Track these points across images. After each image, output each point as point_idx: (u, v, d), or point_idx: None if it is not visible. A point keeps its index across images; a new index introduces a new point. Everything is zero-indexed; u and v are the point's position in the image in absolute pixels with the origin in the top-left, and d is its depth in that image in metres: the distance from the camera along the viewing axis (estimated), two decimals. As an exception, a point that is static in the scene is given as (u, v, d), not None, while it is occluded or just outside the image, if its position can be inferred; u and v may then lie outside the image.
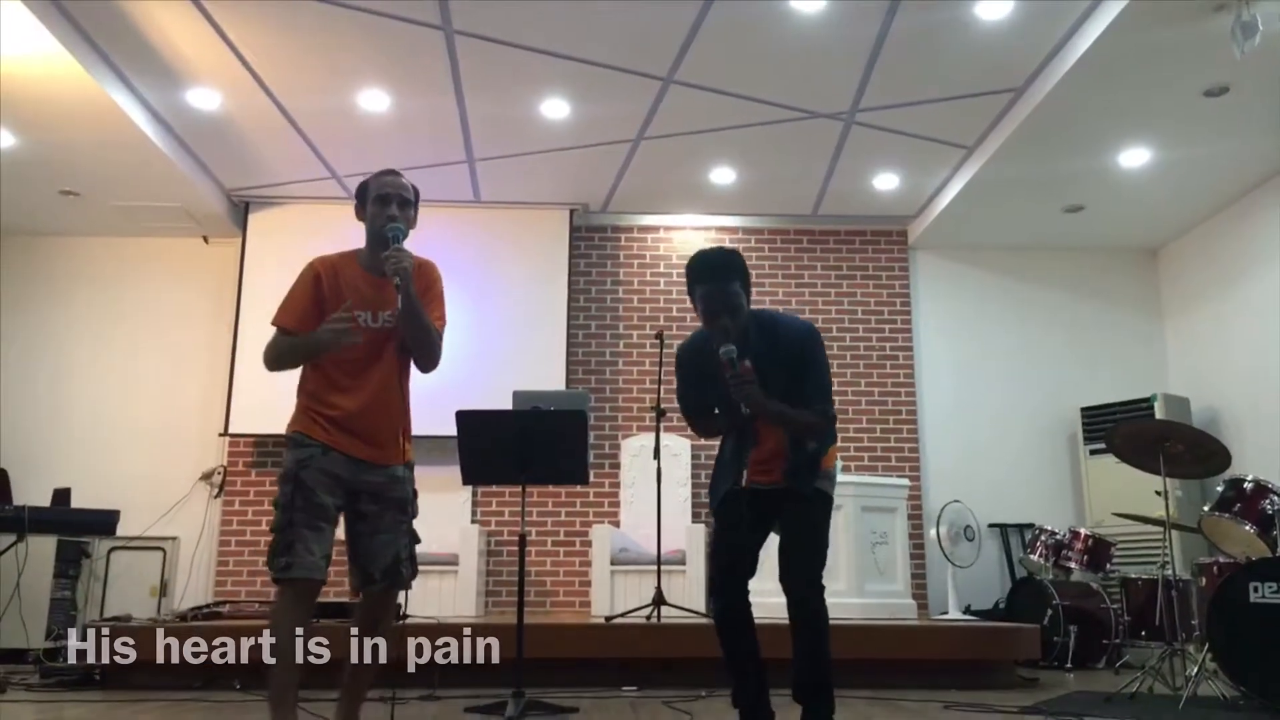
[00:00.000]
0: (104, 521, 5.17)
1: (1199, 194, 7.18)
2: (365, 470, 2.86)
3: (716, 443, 3.23)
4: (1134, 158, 6.58)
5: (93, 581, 6.77)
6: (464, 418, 3.98)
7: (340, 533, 2.88)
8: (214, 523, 7.47)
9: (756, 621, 3.00)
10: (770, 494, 3.01)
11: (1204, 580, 4.83)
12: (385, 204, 2.93)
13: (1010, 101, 6.18)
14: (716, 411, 3.11)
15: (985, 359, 8.07)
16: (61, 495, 5.61)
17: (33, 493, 5.39)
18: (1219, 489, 4.64)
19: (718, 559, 3.04)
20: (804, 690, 2.90)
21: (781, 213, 7.99)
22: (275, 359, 2.89)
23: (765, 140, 6.79)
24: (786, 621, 2.89)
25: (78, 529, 5.71)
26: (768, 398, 2.87)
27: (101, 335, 7.81)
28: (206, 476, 7.56)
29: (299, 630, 2.71)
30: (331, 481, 2.80)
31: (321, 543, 2.74)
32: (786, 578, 2.92)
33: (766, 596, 3.07)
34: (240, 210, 7.75)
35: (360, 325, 2.86)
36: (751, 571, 3.02)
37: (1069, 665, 6.02)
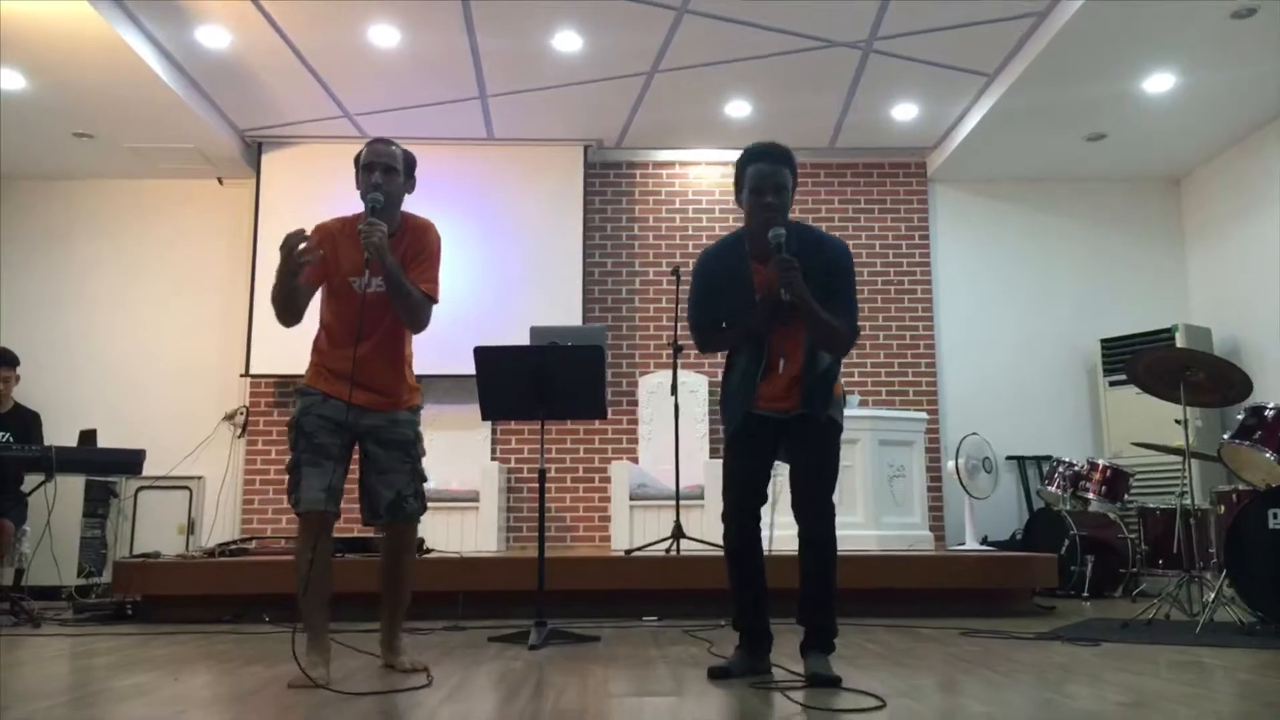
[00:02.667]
0: (130, 461, 5.23)
1: (1224, 120, 7.04)
2: (366, 415, 3.02)
3: None
4: (1158, 83, 6.44)
5: (121, 521, 6.91)
6: (482, 354, 3.99)
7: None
8: (238, 462, 7.58)
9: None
10: (782, 421, 3.03)
11: (1222, 508, 4.84)
12: (369, 172, 3.03)
13: (1032, 26, 6.04)
14: (724, 326, 3.11)
15: (1004, 291, 8.02)
16: (87, 436, 5.68)
17: (59, 435, 5.47)
18: (1239, 417, 4.62)
19: (732, 485, 3.06)
20: (810, 613, 2.94)
21: (798, 146, 7.80)
22: (275, 310, 2.96)
23: (782, 71, 6.68)
24: (782, 553, 2.93)
25: (105, 468, 5.80)
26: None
27: (120, 278, 7.86)
28: (229, 417, 7.66)
29: (319, 557, 2.91)
30: (332, 425, 2.98)
31: (323, 478, 2.93)
32: (800, 504, 2.96)
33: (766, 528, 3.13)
34: (254, 151, 7.72)
35: (356, 290, 3.00)
36: (764, 498, 3.07)
37: (1086, 594, 6.07)
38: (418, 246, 3.08)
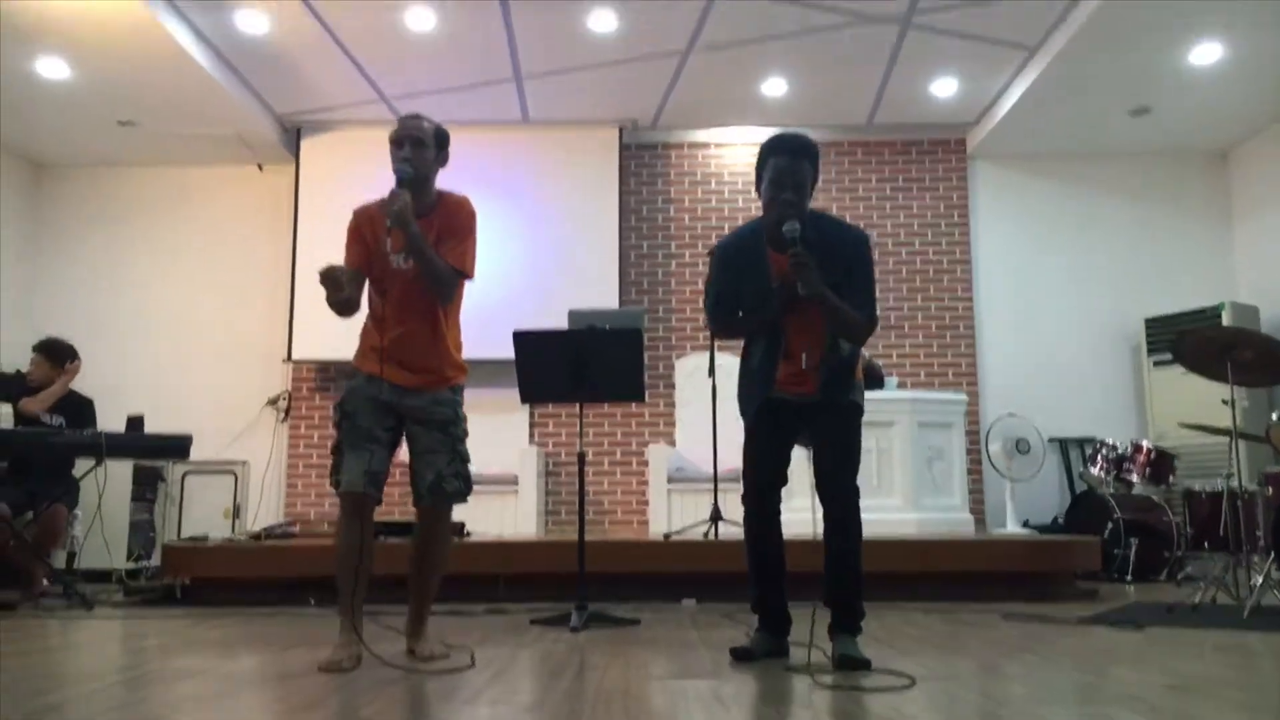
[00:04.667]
0: (178, 445, 5.32)
1: (1273, 92, 6.86)
2: (408, 395, 3.03)
3: None
4: (1205, 54, 6.29)
5: (169, 505, 7.04)
6: (521, 338, 4.02)
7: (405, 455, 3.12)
8: (282, 447, 7.68)
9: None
10: (801, 405, 3.02)
11: (1270, 490, 4.76)
12: (399, 146, 3.04)
13: (1075, -1, 5.93)
14: (741, 314, 3.11)
15: (1046, 270, 7.90)
16: (135, 422, 5.79)
17: (105, 421, 5.57)
18: (1289, 397, 4.53)
19: (754, 469, 3.08)
20: (838, 595, 2.95)
21: (835, 124, 7.81)
22: (334, 311, 3.00)
23: (818, 48, 6.61)
24: (799, 537, 2.94)
25: (153, 453, 5.90)
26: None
27: (164, 265, 7.98)
28: (273, 402, 7.76)
29: (356, 540, 2.93)
30: (376, 406, 3.00)
31: (361, 460, 2.95)
32: (825, 487, 2.97)
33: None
34: (292, 136, 7.79)
35: (394, 266, 3.02)
36: (784, 481, 3.09)
37: (1129, 578, 6.00)
38: (451, 221, 3.09)
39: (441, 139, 3.13)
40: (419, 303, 3.04)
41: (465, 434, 3.13)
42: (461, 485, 3.08)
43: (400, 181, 2.96)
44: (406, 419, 3.06)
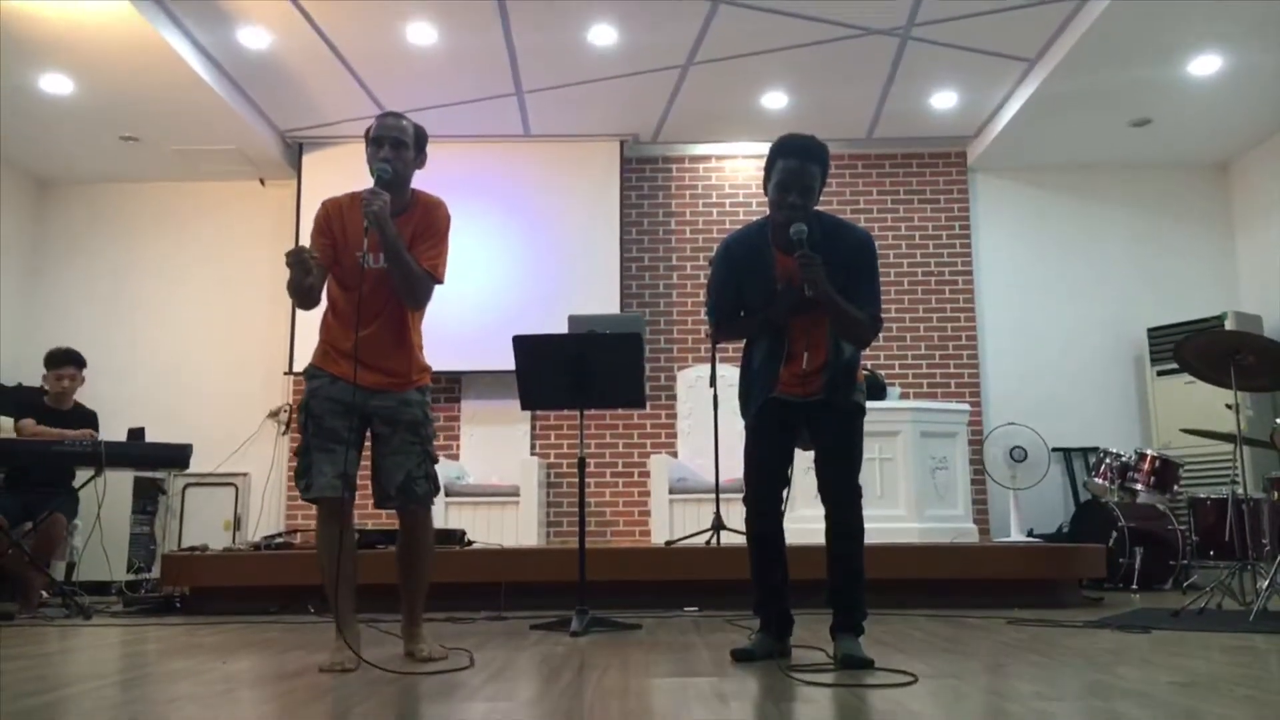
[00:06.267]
0: (177, 455, 5.31)
1: (1273, 103, 6.88)
2: (375, 396, 2.99)
3: None
4: (1205, 65, 6.31)
5: (169, 517, 7.03)
6: (521, 343, 4.01)
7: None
8: (282, 459, 7.67)
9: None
10: (803, 406, 3.01)
11: (1276, 495, 4.73)
12: (379, 146, 3.00)
13: (1074, 8, 5.95)
14: (744, 314, 3.09)
15: (1048, 281, 7.90)
16: (136, 434, 5.78)
17: (108, 434, 5.56)
18: (1293, 401, 4.51)
19: (755, 471, 3.05)
20: (840, 596, 2.93)
21: (836, 137, 7.82)
22: (293, 300, 2.97)
23: (818, 61, 6.64)
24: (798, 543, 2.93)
25: (153, 462, 5.89)
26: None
27: (166, 279, 8.00)
28: (274, 414, 7.75)
29: (336, 544, 2.87)
30: (341, 407, 2.94)
31: (334, 463, 2.91)
32: (826, 488, 2.95)
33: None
34: (294, 151, 7.82)
35: (362, 265, 2.96)
36: (786, 483, 3.06)
37: (1135, 586, 5.96)
38: (426, 223, 3.04)
39: (420, 139, 3.09)
40: (387, 303, 3.00)
41: (434, 435, 3.10)
42: (430, 487, 3.04)
43: (379, 181, 2.92)
44: (373, 419, 3.01)
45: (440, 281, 3.04)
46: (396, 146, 2.99)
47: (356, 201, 3.00)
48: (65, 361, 5.53)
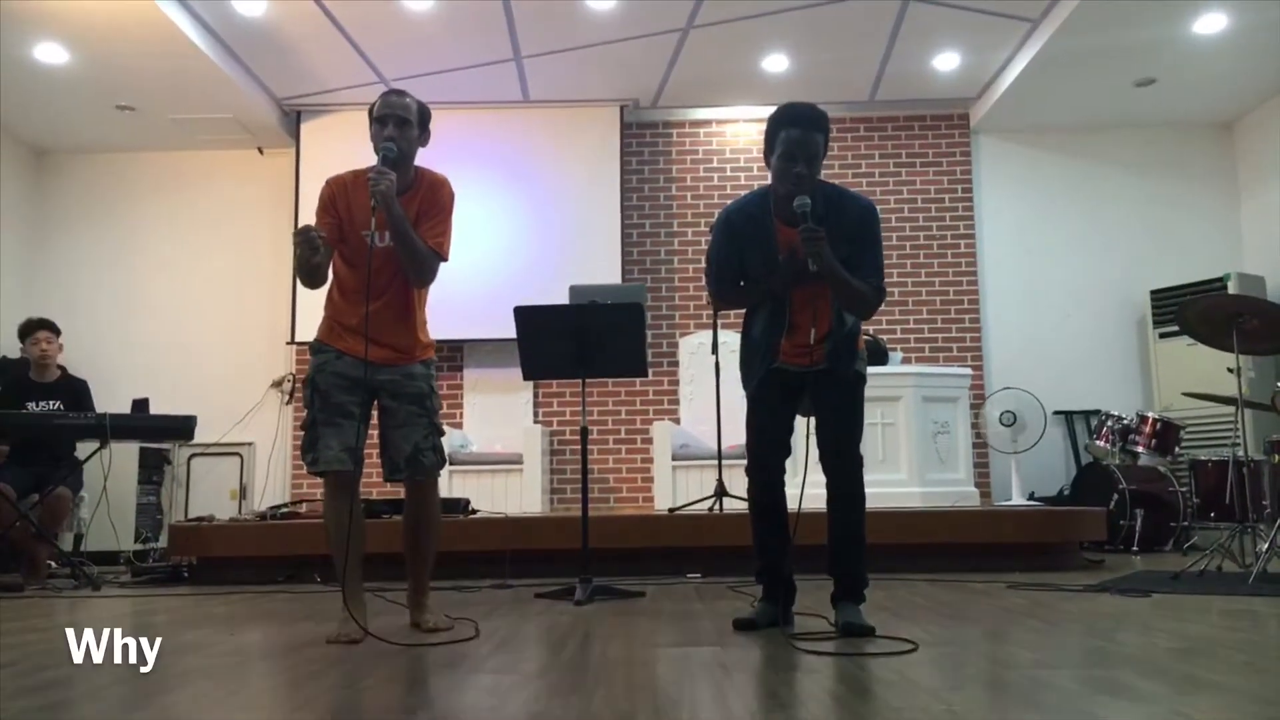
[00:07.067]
0: (182, 426, 5.32)
1: (1279, 61, 6.80)
2: (381, 370, 3.01)
3: None
4: (1210, 24, 6.24)
5: (175, 487, 7.07)
6: (522, 314, 4.00)
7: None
8: (287, 428, 7.69)
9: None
10: (804, 376, 3.01)
11: (1276, 458, 4.74)
12: (383, 125, 2.99)
13: (1078, -31, 5.87)
14: (742, 284, 3.09)
15: (1050, 244, 7.87)
16: (140, 405, 5.79)
17: (111, 406, 5.57)
18: (1295, 364, 4.51)
19: (757, 440, 3.06)
20: (841, 564, 2.95)
21: (837, 99, 7.75)
22: (301, 279, 3.01)
23: (819, 23, 6.56)
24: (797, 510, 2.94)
25: (158, 434, 5.91)
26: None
27: (165, 249, 7.97)
28: (277, 384, 7.77)
29: (345, 517, 2.89)
30: (348, 382, 2.98)
31: (341, 436, 2.94)
32: (827, 456, 2.96)
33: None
34: (292, 119, 7.77)
35: (368, 243, 2.95)
36: (787, 451, 3.07)
37: (1135, 548, 6.00)
38: (430, 201, 3.05)
39: (424, 117, 3.09)
40: (393, 280, 3.02)
41: (440, 406, 3.14)
42: (436, 459, 3.08)
43: (384, 160, 2.92)
44: (380, 393, 3.04)
45: (445, 259, 3.06)
46: (401, 125, 2.98)
47: (360, 179, 3.00)
48: (38, 327, 5.54)
